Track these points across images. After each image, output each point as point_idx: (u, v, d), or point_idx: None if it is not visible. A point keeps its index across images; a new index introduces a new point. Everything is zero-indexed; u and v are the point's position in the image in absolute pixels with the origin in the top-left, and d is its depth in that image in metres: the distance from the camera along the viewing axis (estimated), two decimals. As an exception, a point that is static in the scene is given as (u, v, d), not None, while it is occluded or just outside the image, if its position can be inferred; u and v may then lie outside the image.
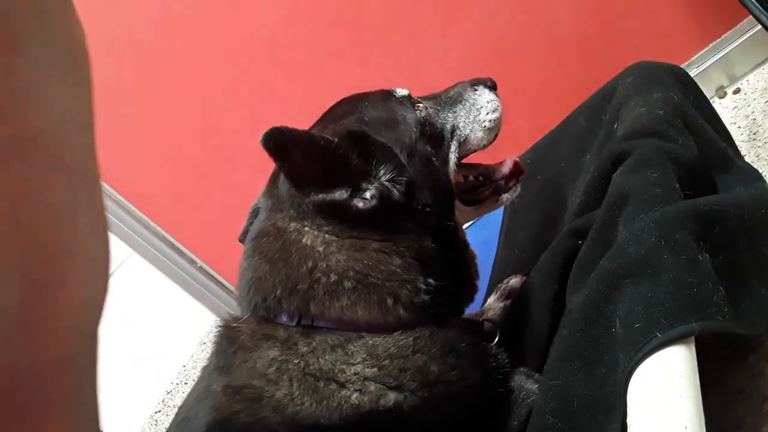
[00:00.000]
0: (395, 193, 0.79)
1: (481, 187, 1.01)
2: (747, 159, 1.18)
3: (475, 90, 1.00)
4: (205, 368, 0.80)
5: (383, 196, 0.78)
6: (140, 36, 1.89)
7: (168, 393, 2.45)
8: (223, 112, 2.00)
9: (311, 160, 0.74)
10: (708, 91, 1.72)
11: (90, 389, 0.46)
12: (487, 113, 0.98)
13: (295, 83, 1.92)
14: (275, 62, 1.91)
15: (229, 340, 0.78)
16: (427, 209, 0.83)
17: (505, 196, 1.01)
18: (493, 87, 1.02)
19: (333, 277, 0.76)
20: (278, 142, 0.71)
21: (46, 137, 0.37)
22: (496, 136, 0.99)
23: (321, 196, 0.76)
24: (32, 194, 0.37)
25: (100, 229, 0.43)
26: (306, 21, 1.85)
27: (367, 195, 0.78)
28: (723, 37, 1.72)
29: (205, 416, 0.71)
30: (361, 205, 0.77)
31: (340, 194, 0.76)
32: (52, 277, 0.39)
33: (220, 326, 0.81)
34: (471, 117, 0.97)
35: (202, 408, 0.72)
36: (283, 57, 1.90)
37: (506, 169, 1.01)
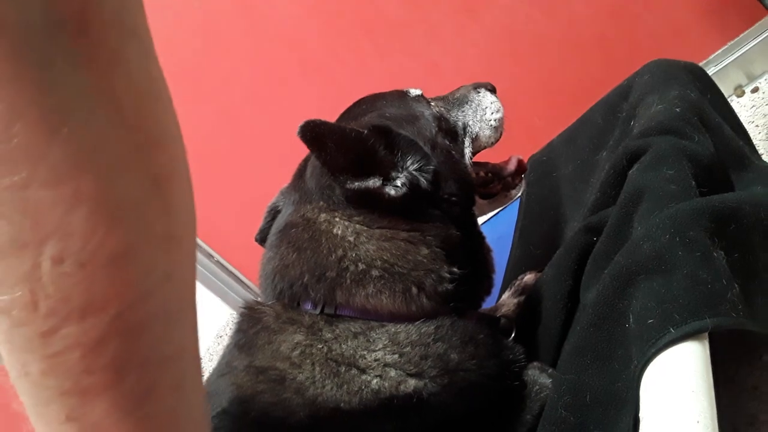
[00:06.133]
0: (423, 181, 0.82)
1: (491, 183, 1.07)
2: (764, 158, 1.18)
3: (478, 92, 1.06)
4: (226, 346, 0.83)
5: (413, 184, 0.81)
6: (158, 34, 1.90)
7: (184, 385, 2.48)
8: (241, 108, 2.02)
9: (344, 151, 0.77)
10: (726, 90, 1.71)
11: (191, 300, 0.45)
12: (492, 113, 1.04)
13: (314, 80, 1.94)
14: (292, 59, 1.93)
15: (251, 320, 0.80)
16: (453, 198, 0.86)
17: (513, 192, 1.08)
18: (493, 90, 1.08)
19: (361, 266, 0.78)
20: (314, 133, 0.74)
21: (120, 6, 0.36)
22: (501, 134, 1.06)
23: (357, 184, 0.79)
24: (124, 67, 0.36)
25: (172, 108, 0.41)
26: (323, 18, 1.87)
27: (398, 183, 0.81)
28: (742, 35, 1.71)
29: (227, 391, 0.73)
30: (393, 192, 0.80)
31: (374, 182, 0.79)
32: (161, 169, 0.38)
33: (243, 307, 0.83)
34: (478, 116, 1.03)
35: (224, 383, 0.74)
36: (302, 54, 1.92)
37: (512, 166, 1.07)
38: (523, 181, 1.08)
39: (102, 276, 0.36)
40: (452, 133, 0.97)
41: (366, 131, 0.79)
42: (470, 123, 1.02)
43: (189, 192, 0.43)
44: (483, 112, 1.03)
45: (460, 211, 0.87)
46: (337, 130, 0.77)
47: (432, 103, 0.99)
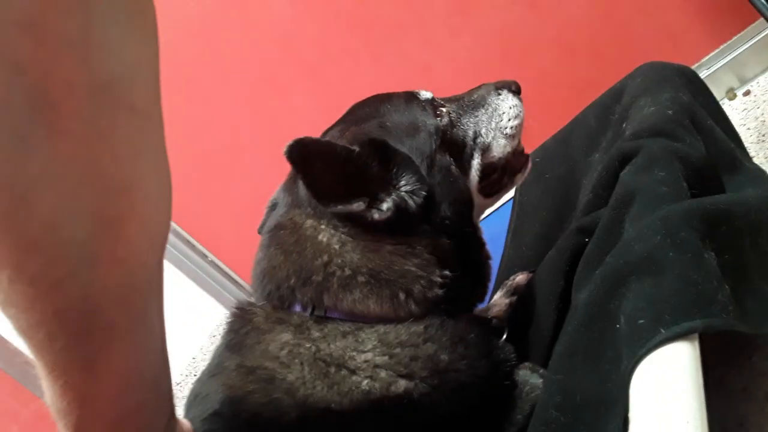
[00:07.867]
0: (411, 204, 0.80)
1: (492, 175, 0.97)
2: (756, 161, 1.19)
3: (499, 94, 0.98)
4: (217, 347, 0.83)
5: (399, 207, 0.79)
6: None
7: (177, 384, 2.48)
8: (236, 109, 2.01)
9: (332, 170, 0.75)
10: (718, 93, 1.72)
11: (156, 314, 0.51)
12: (509, 119, 0.95)
13: (307, 81, 1.94)
14: (288, 60, 1.93)
15: (242, 320, 0.80)
16: (446, 221, 0.84)
17: (518, 176, 0.99)
18: (517, 91, 0.99)
19: (347, 271, 0.77)
20: (301, 154, 0.72)
21: (117, 84, 0.40)
22: (518, 143, 0.97)
23: (339, 207, 0.77)
24: (104, 136, 0.40)
25: (163, 168, 0.46)
26: (319, 19, 1.87)
27: (384, 207, 0.78)
28: (734, 39, 1.72)
29: (218, 392, 0.72)
30: (377, 216, 0.78)
31: (358, 206, 0.77)
32: (118, 213, 0.43)
33: (235, 308, 0.83)
34: (493, 123, 0.94)
35: (215, 384, 0.74)
36: (295, 55, 1.92)
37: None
38: (529, 161, 1.00)
39: None
40: (458, 145, 0.91)
41: (358, 148, 0.77)
42: (482, 131, 0.94)
43: (150, 237, 0.48)
44: (499, 119, 0.95)
45: (453, 229, 0.84)
46: (326, 149, 0.75)
47: (444, 109, 0.92)
